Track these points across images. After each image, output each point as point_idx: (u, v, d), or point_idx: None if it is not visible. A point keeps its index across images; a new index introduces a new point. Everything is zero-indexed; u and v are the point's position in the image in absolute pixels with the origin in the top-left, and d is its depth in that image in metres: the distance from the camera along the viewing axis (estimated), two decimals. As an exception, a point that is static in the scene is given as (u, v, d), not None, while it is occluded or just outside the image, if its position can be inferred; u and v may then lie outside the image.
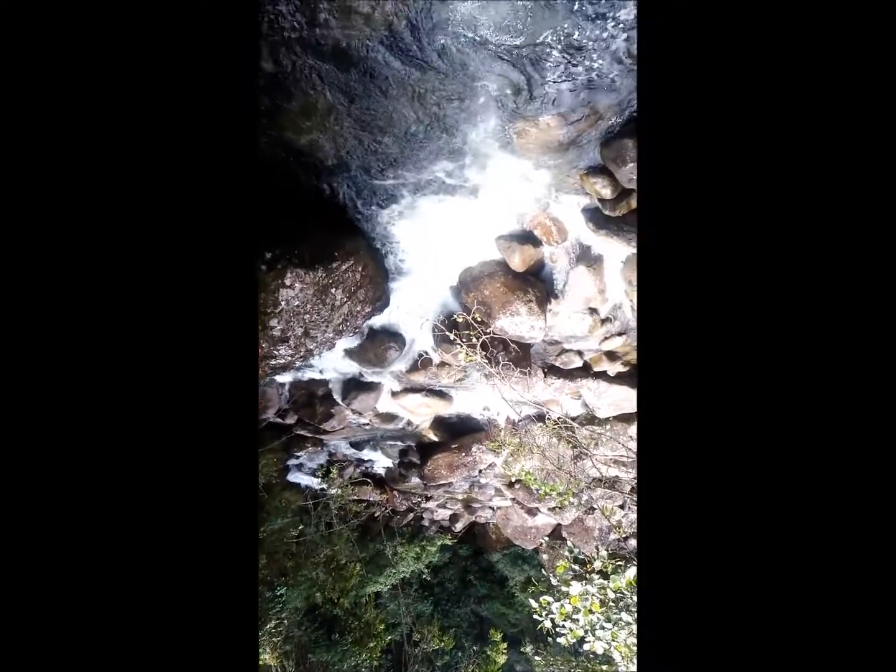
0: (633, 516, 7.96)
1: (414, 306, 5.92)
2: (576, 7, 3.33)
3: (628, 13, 3.36)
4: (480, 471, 8.03)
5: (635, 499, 6.66)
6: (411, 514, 10.15)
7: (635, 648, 3.17)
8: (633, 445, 6.53)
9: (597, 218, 4.74)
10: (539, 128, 4.10)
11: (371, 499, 9.38)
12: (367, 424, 7.65)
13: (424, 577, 10.72)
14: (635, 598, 3.18)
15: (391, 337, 6.18)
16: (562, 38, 3.50)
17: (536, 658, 6.23)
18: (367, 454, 8.75)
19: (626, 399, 6.21)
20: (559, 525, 9.18)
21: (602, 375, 6.20)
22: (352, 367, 6.68)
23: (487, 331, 5.17)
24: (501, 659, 10.53)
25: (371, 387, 6.91)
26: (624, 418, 6.54)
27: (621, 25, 3.42)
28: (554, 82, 3.77)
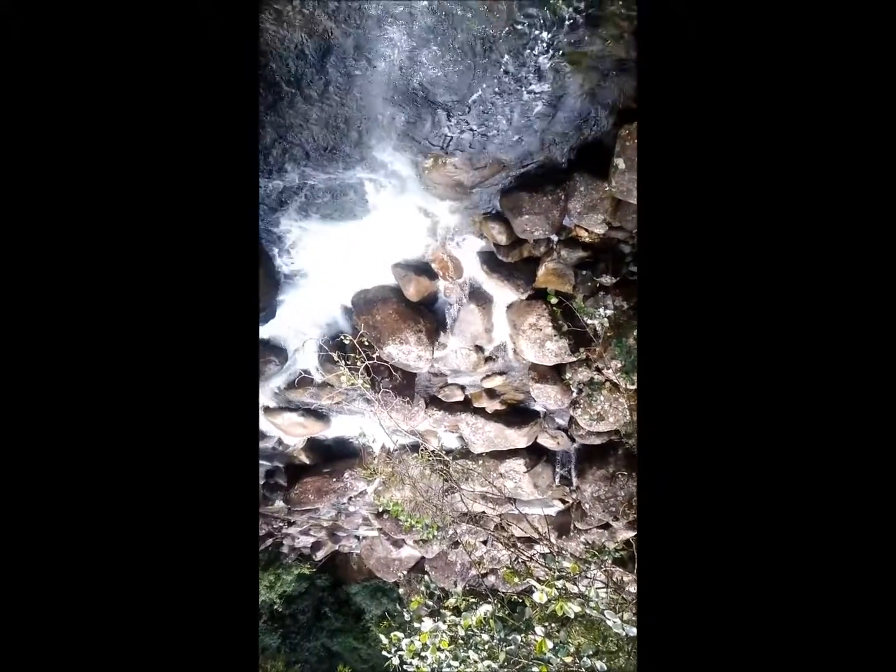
0: (495, 552, 8.16)
1: (301, 322, 5.72)
2: (496, 71, 3.55)
3: (541, 86, 3.64)
4: (350, 498, 7.79)
5: (497, 535, 6.84)
6: (270, 540, 9.54)
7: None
8: (503, 483, 6.73)
9: (491, 261, 4.95)
10: (446, 168, 4.24)
11: (228, 521, 8.68)
12: (234, 440, 7.13)
13: (276, 607, 10.06)
14: (485, 636, 3.23)
15: (272, 350, 5.88)
16: (481, 95, 3.70)
17: (382, 697, 6.05)
18: (229, 472, 8.14)
19: (500, 437, 6.41)
20: (423, 558, 9.14)
21: (481, 412, 6.37)
22: (225, 378, 6.23)
23: (374, 356, 5.12)
24: (347, 697, 10.07)
25: (243, 400, 6.48)
26: (496, 455, 6.74)
27: (533, 94, 3.70)
28: (465, 131, 3.95)
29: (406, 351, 5.49)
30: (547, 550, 6.78)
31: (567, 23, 3.27)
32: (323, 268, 5.23)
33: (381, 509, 7.62)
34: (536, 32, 3.33)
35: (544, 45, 3.39)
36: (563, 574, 3.15)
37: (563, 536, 7.13)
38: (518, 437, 6.35)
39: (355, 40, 3.45)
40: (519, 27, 3.30)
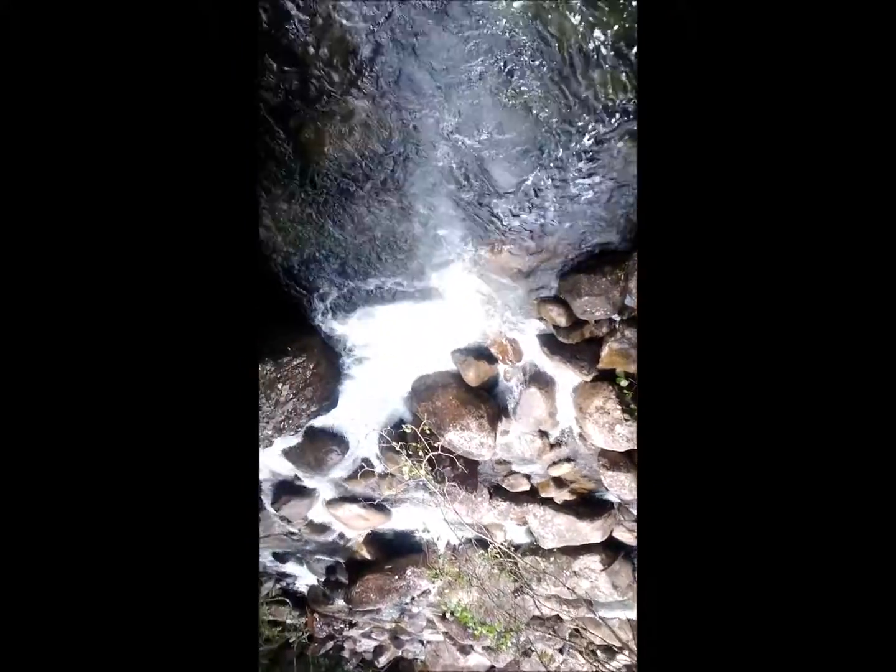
0: (573, 663, 7.35)
1: (363, 410, 5.73)
2: (544, 162, 3.68)
3: (592, 181, 3.72)
4: (413, 598, 7.36)
5: (574, 643, 6.18)
6: (331, 643, 9.06)
7: None
8: (576, 582, 6.18)
9: (551, 344, 4.85)
10: (502, 255, 4.30)
11: (288, 621, 8.36)
12: (296, 534, 7.01)
13: (337, 722, 9.35)
14: None
15: (334, 440, 5.89)
16: (534, 183, 3.82)
17: None
18: (290, 568, 7.94)
19: (571, 530, 5.96)
20: (493, 667, 8.34)
21: (549, 502, 5.99)
22: (287, 469, 6.25)
23: (436, 444, 5.00)
24: None
25: (305, 492, 6.43)
26: (568, 551, 6.23)
27: (582, 183, 3.77)
28: (520, 218, 4.04)
29: (468, 438, 5.34)
30: (632, 661, 6.02)
31: (617, 115, 3.36)
32: (383, 356, 5.30)
33: (447, 613, 7.15)
34: (590, 126, 3.44)
35: (595, 135, 3.49)
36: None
37: (651, 646, 6.33)
38: (591, 531, 5.88)
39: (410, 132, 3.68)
40: (578, 123, 3.44)
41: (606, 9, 2.93)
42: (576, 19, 2.98)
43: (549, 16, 2.98)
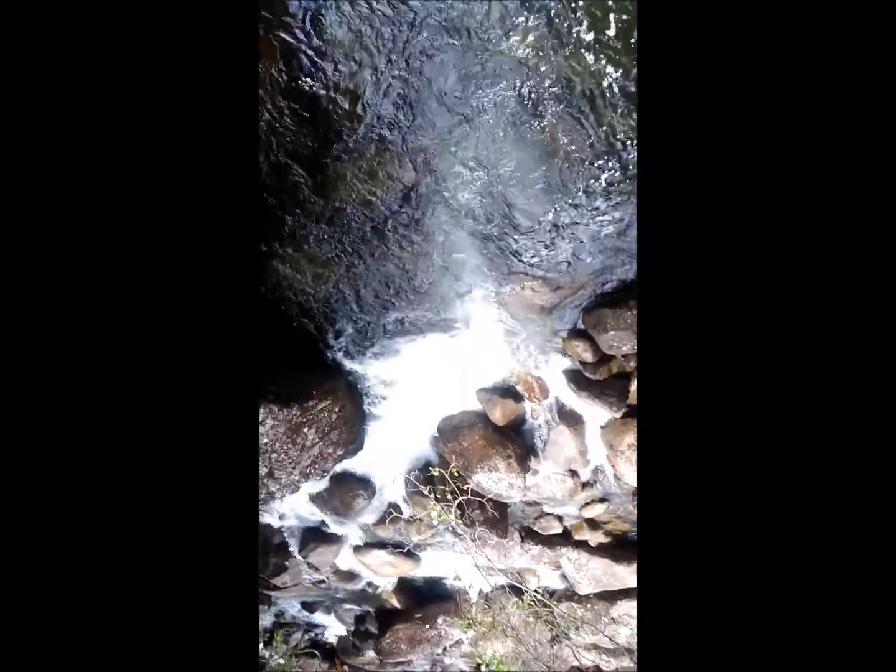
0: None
1: (389, 452, 5.66)
2: (566, 197, 3.68)
3: (613, 216, 3.73)
4: (445, 648, 7.06)
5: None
6: (362, 698, 8.71)
7: None
8: (615, 630, 5.85)
9: (578, 380, 4.75)
10: (525, 291, 4.28)
11: (317, 674, 8.09)
12: (324, 582, 6.85)
13: None
14: None
15: (360, 483, 5.81)
16: (554, 220, 3.82)
17: None
18: (319, 618, 7.72)
19: (608, 574, 5.70)
20: (532, 724, 7.88)
21: (583, 545, 5.76)
22: (314, 515, 6.16)
23: (465, 487, 4.87)
24: None
25: (332, 539, 6.31)
26: (605, 596, 5.94)
27: (603, 219, 3.76)
28: (540, 254, 4.03)
29: (496, 479, 5.20)
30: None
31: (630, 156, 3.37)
32: (407, 394, 5.26)
33: (481, 665, 6.83)
34: (612, 159, 3.45)
35: (617, 168, 3.49)
36: None
37: (701, 700, 5.92)
38: (629, 574, 5.60)
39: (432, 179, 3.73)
40: (599, 161, 3.45)
41: (619, 46, 2.97)
42: (590, 58, 3.02)
43: (566, 52, 3.02)
